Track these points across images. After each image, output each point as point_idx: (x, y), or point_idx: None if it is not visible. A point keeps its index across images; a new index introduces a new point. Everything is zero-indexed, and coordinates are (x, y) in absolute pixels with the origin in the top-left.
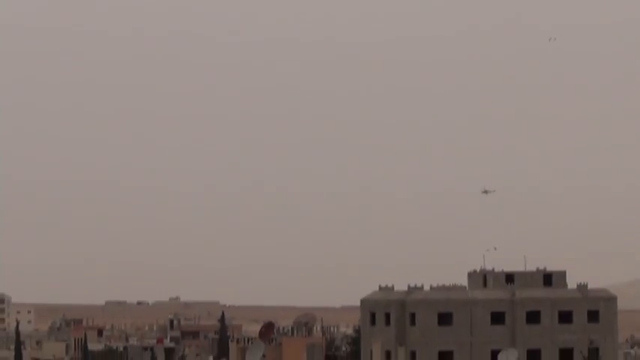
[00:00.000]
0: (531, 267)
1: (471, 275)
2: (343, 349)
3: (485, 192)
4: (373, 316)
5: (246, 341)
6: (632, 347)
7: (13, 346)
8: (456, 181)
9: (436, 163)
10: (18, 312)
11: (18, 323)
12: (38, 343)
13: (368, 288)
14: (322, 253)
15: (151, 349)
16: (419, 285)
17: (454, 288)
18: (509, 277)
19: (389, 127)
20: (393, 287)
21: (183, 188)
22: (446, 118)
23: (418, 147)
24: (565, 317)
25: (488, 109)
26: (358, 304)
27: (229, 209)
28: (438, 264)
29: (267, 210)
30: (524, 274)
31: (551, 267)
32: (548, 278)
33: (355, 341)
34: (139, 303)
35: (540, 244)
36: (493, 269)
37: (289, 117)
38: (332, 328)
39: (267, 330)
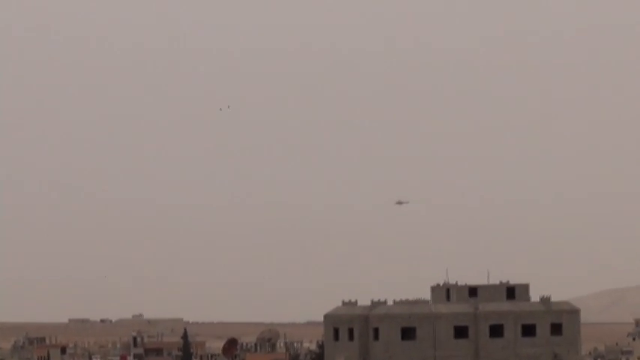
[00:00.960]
0: (494, 280)
1: (434, 289)
2: None
3: (400, 203)
4: (336, 331)
5: (209, 358)
6: None
7: None
8: (422, 195)
9: (398, 175)
10: None
11: None
12: None
13: (331, 303)
14: (285, 269)
15: None
16: (382, 300)
17: (417, 302)
18: (473, 291)
19: (344, 140)
20: (356, 302)
21: (146, 205)
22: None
23: (382, 160)
24: (528, 330)
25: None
26: (321, 319)
27: (192, 226)
28: (401, 278)
29: (230, 226)
30: (488, 288)
31: (514, 280)
32: (511, 291)
33: (319, 357)
34: (102, 320)
35: (503, 257)
36: (456, 283)
37: (245, 132)
38: (295, 344)
39: (231, 346)
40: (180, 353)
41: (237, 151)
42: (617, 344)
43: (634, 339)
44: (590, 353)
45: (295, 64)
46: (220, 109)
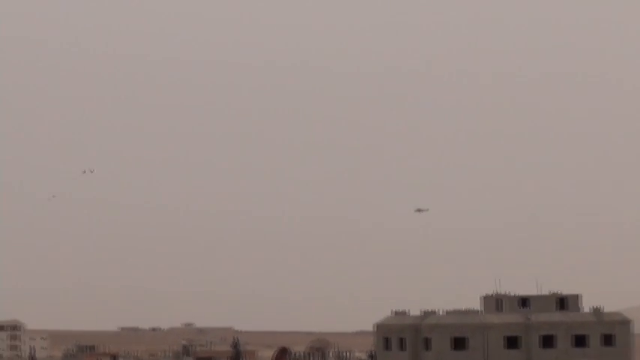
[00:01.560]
0: (545, 290)
1: (485, 299)
2: None
3: (419, 210)
4: (387, 340)
5: None
6: None
7: None
8: (469, 206)
9: (447, 184)
10: (32, 338)
11: (33, 350)
12: None
13: (382, 313)
14: (336, 279)
15: None
16: (433, 310)
17: (468, 312)
18: (524, 301)
19: (393, 149)
20: (407, 312)
21: (195, 212)
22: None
23: (429, 175)
24: (580, 341)
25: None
26: (372, 329)
27: (243, 235)
28: (452, 288)
29: (281, 236)
30: (539, 298)
31: (565, 290)
32: (562, 302)
33: None
34: (152, 329)
35: (554, 267)
36: (507, 293)
37: (300, 140)
38: (346, 354)
39: (281, 355)
40: None
41: (290, 164)
42: None
43: None
44: None
45: (309, 72)
46: (84, 171)
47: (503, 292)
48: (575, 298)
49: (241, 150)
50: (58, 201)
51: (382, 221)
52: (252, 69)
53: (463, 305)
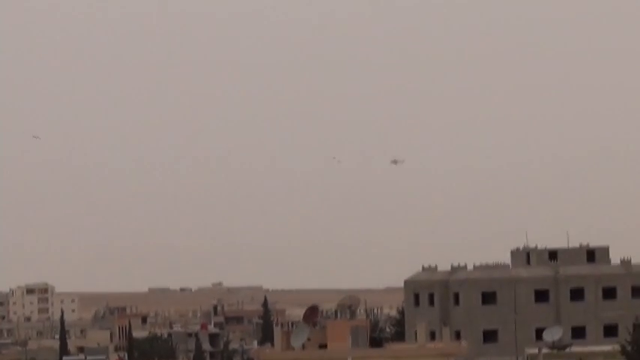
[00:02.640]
0: (574, 243)
1: (514, 253)
2: (387, 330)
3: (395, 162)
4: (417, 296)
5: (290, 325)
6: None
7: (57, 336)
8: (495, 157)
9: (484, 136)
10: (62, 301)
11: (62, 312)
12: (82, 331)
13: (411, 269)
14: (364, 235)
15: (196, 334)
16: (462, 264)
17: (497, 266)
18: (553, 254)
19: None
20: (436, 267)
21: (222, 171)
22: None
23: (466, 120)
24: (609, 293)
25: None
26: (402, 285)
27: (268, 192)
28: (481, 243)
29: (307, 192)
30: (568, 251)
31: (594, 242)
32: (591, 254)
33: (399, 322)
34: (182, 289)
35: (582, 219)
36: (536, 246)
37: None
38: (376, 310)
39: (312, 313)
40: (260, 321)
41: (299, 118)
42: None
43: None
44: None
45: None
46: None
47: (531, 246)
48: (604, 250)
49: (260, 102)
50: (86, 162)
51: (413, 176)
52: None
53: (492, 260)
